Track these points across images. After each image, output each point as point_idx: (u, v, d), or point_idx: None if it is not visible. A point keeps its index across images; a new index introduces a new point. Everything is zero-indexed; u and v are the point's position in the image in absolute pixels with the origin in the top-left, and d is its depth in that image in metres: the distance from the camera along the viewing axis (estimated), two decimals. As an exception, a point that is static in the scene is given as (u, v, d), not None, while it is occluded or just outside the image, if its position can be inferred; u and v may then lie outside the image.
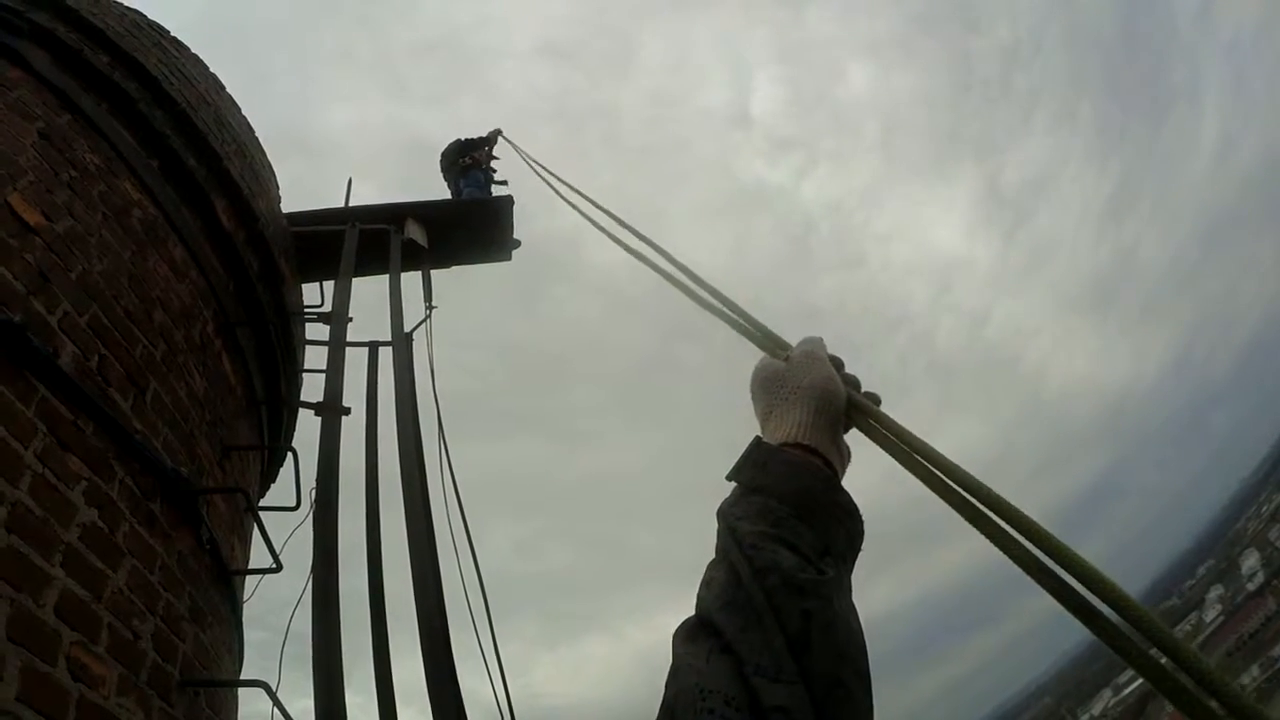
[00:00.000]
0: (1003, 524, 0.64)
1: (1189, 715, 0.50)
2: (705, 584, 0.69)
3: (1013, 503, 0.64)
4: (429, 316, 5.30)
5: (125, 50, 3.69)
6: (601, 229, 2.42)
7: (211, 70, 4.70)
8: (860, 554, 0.76)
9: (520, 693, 3.40)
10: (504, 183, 7.87)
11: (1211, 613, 46.09)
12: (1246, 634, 39.02)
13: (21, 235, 2.46)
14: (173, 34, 4.47)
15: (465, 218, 6.47)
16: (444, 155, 8.05)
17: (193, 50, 4.60)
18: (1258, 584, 41.68)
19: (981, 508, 0.66)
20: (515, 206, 6.44)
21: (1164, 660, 0.52)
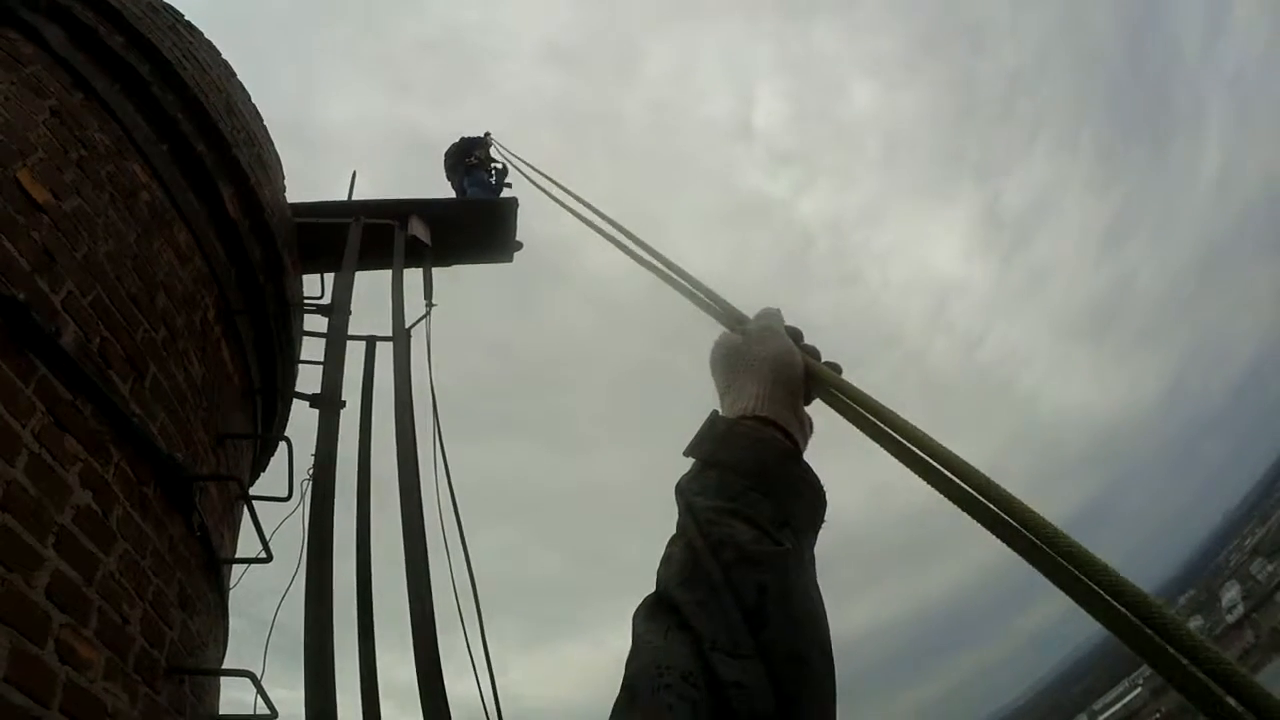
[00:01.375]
0: (971, 491, 0.62)
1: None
2: (664, 560, 0.68)
3: (982, 471, 0.62)
4: (429, 313, 5.28)
5: (140, 32, 3.68)
6: (586, 222, 2.40)
7: (224, 57, 4.69)
8: (825, 526, 0.73)
9: (500, 692, 3.38)
10: (509, 184, 7.88)
11: (1190, 644, 46.03)
12: (1225, 666, 39.05)
13: (29, 212, 2.45)
14: (188, 18, 4.46)
15: (469, 217, 6.46)
16: (447, 154, 8.05)
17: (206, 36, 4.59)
18: (1237, 616, 41.83)
19: (950, 476, 0.65)
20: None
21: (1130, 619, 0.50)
